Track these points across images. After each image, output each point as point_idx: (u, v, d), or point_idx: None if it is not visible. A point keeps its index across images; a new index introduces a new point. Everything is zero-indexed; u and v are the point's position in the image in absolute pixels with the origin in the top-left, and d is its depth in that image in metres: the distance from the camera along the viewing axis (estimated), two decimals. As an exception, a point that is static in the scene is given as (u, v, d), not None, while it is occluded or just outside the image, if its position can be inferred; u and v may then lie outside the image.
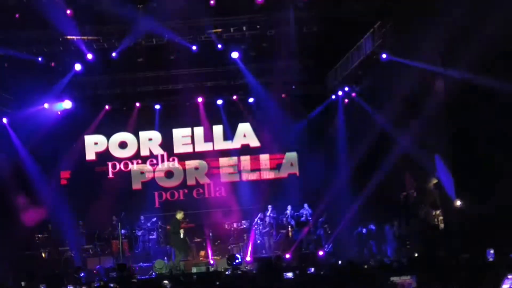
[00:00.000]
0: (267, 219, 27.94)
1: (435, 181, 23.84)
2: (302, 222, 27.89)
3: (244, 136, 32.37)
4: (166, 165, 32.22)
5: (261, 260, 23.26)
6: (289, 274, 15.54)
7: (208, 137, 32.41)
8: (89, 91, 30.14)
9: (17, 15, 24.87)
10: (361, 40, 25.78)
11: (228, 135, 32.32)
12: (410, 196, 26.30)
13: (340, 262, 19.87)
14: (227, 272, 20.37)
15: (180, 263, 24.56)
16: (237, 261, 23.18)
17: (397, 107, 23.63)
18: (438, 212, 24.37)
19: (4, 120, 28.71)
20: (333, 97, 29.41)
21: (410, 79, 22.43)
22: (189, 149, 32.39)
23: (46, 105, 28.90)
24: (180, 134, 32.37)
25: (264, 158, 32.29)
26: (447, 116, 21.62)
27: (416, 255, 19.73)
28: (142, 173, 32.35)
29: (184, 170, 32.30)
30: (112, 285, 17.14)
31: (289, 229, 27.90)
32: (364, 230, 26.23)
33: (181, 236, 24.63)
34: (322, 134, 29.65)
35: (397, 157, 24.29)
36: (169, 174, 32.35)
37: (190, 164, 32.38)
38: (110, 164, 32.25)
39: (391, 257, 21.64)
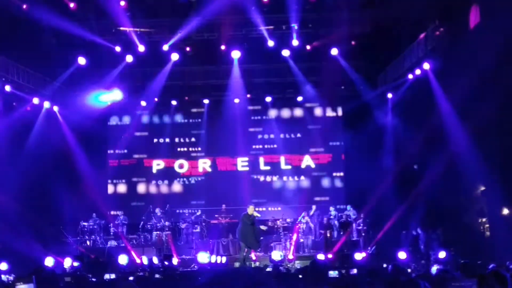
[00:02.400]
0: (311, 218, 27.88)
1: (482, 188, 23.59)
2: (345, 223, 27.79)
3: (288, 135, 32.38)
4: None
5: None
6: (334, 273, 15.49)
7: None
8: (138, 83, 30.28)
9: (72, 5, 25.26)
10: (413, 43, 25.59)
11: (275, 130, 32.29)
12: (456, 202, 26.02)
13: (384, 265, 19.68)
14: (267, 269, 20.31)
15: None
16: (279, 258, 23.21)
17: (448, 111, 23.37)
18: (484, 219, 24.10)
19: (55, 108, 28.95)
20: (383, 98, 29.13)
21: (463, 84, 22.14)
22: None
23: (96, 95, 29.11)
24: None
25: (309, 158, 32.20)
26: (497, 126, 21.36)
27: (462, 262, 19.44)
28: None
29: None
30: (157, 275, 17.23)
31: (332, 229, 27.79)
32: (413, 233, 25.98)
33: (253, 230, 24.63)
34: (370, 136, 29.40)
35: (445, 163, 24.01)
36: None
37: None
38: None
39: (436, 263, 21.38)
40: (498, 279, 7.69)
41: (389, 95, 28.79)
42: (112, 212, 30.75)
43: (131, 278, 16.39)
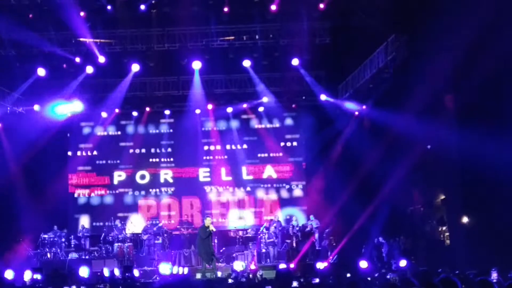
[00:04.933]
0: (273, 228, 27.86)
1: (442, 197, 23.81)
2: (307, 232, 27.84)
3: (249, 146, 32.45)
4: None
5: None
6: (295, 283, 15.47)
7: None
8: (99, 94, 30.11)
9: (30, 16, 25.10)
10: (373, 53, 25.77)
11: (236, 141, 32.32)
12: (417, 211, 26.25)
13: (348, 274, 19.74)
14: (229, 280, 20.26)
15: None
16: (242, 269, 23.22)
17: (408, 120, 23.54)
18: (444, 228, 24.33)
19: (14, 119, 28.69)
20: (343, 109, 29.23)
21: (422, 94, 22.34)
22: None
23: (56, 106, 28.90)
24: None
25: (271, 168, 32.23)
26: (458, 131, 21.58)
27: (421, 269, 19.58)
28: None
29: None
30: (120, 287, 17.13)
31: (294, 239, 27.83)
32: (374, 242, 26.11)
33: (207, 243, 24.62)
34: (330, 145, 29.54)
35: (405, 171, 24.21)
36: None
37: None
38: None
39: (397, 272, 21.51)
40: (448, 286, 7.69)
41: (350, 105, 28.88)
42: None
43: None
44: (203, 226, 24.70)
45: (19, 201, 27.72)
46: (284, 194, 32.06)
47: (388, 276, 17.96)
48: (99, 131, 32.30)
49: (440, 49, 20.75)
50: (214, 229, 25.15)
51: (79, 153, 32.16)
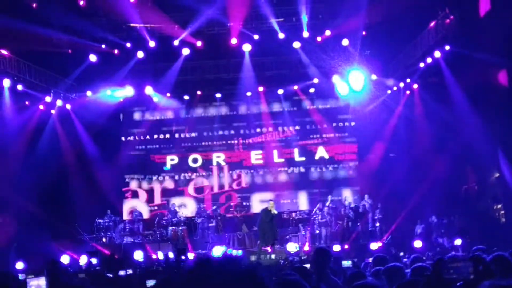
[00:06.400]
0: (326, 209, 27.78)
1: (497, 174, 23.46)
2: (361, 213, 27.76)
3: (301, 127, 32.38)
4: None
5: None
6: (347, 263, 15.42)
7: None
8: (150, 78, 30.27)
9: (82, 3, 25.37)
10: (423, 32, 25.51)
11: (288, 122, 32.25)
12: (471, 189, 25.93)
13: (402, 253, 19.63)
14: (281, 261, 20.27)
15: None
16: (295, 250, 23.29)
17: (460, 98, 23.26)
18: (499, 206, 23.99)
19: (68, 106, 29.03)
20: (395, 88, 28.96)
21: (474, 71, 22.03)
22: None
23: (108, 92, 29.16)
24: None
25: (323, 149, 32.13)
26: (509, 112, 21.22)
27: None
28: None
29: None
30: (175, 270, 17.22)
31: (347, 219, 27.75)
32: (429, 221, 25.89)
33: (270, 226, 24.77)
34: (382, 125, 29.30)
35: (459, 150, 23.92)
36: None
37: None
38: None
39: (453, 251, 21.30)
40: (501, 264, 7.58)
41: (401, 84, 28.60)
42: (128, 207, 31.05)
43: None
44: (266, 209, 24.83)
45: (74, 187, 28.13)
46: (337, 174, 31.94)
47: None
48: (151, 116, 32.53)
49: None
50: (276, 212, 25.22)
51: (131, 138, 32.46)
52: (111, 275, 17.11)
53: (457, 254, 17.45)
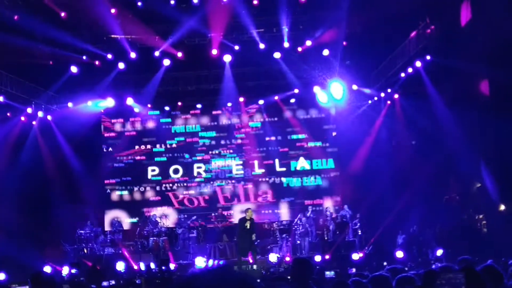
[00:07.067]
0: (305, 219, 27.76)
1: (479, 184, 23.59)
2: (341, 223, 27.77)
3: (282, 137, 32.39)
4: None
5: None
6: (330, 273, 15.47)
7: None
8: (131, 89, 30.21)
9: (63, 14, 25.33)
10: (404, 42, 25.66)
11: (269, 133, 32.21)
12: (453, 199, 26.04)
13: (385, 263, 19.65)
14: (263, 272, 20.28)
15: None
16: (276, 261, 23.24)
17: (442, 108, 23.40)
18: (481, 216, 24.11)
19: (49, 117, 28.98)
20: (376, 98, 29.08)
21: (455, 81, 22.19)
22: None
23: (89, 103, 29.16)
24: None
25: (304, 160, 32.16)
26: (493, 119, 21.34)
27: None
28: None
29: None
30: (158, 281, 17.23)
31: (329, 229, 27.77)
32: (410, 231, 25.91)
33: (248, 234, 24.61)
34: (363, 134, 29.39)
35: (441, 160, 24.04)
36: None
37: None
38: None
39: (436, 261, 21.36)
40: (493, 275, 7.62)
41: (382, 94, 28.73)
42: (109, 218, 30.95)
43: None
44: (243, 219, 24.71)
45: (56, 197, 28.01)
46: (318, 184, 31.95)
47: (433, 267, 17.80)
48: (132, 127, 32.42)
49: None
50: (253, 217, 24.98)
51: (111, 149, 32.29)
52: (94, 286, 17.07)
53: (442, 264, 17.49)
